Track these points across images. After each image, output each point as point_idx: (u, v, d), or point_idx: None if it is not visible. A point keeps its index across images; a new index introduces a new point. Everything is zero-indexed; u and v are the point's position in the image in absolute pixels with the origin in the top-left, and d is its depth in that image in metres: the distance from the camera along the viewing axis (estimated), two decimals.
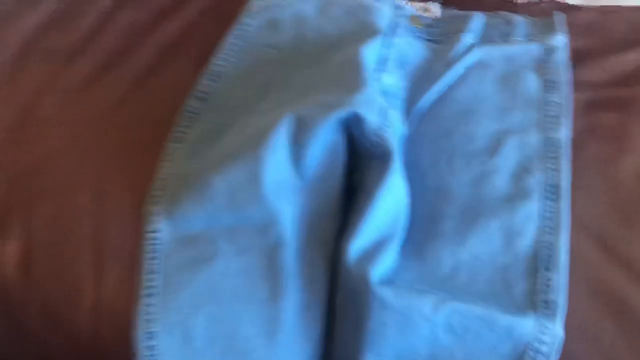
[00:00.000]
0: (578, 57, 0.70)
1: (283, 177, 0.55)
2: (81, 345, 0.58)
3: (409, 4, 0.76)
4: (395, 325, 0.51)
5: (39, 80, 0.69)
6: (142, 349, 0.54)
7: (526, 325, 0.50)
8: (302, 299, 0.55)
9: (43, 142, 0.63)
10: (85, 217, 0.59)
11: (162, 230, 0.56)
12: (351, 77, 0.59)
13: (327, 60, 0.66)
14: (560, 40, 0.70)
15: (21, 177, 0.61)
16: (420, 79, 0.68)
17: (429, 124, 0.64)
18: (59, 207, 0.59)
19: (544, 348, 0.49)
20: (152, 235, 0.56)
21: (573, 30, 0.71)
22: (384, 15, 0.71)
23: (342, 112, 0.54)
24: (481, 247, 0.55)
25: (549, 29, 0.72)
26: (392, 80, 0.65)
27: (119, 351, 0.56)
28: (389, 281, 0.52)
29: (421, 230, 0.57)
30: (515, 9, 0.78)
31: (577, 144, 0.61)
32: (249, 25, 0.70)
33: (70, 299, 0.57)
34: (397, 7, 0.74)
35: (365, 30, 0.67)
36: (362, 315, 0.51)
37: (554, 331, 0.50)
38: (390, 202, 0.54)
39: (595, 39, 0.74)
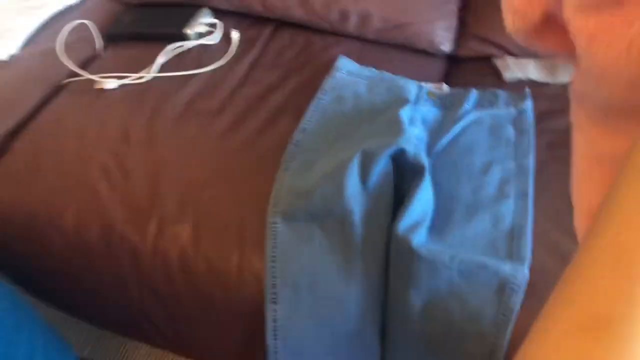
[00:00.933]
0: (546, 114, 1.06)
1: (356, 190, 0.90)
2: (232, 293, 0.92)
3: (428, 84, 1.13)
4: (427, 271, 0.84)
5: (196, 128, 1.06)
6: (268, 295, 0.88)
7: (506, 268, 0.83)
8: (366, 262, 0.88)
9: (201, 167, 1.00)
10: (232, 211, 0.94)
11: (280, 223, 0.91)
12: (395, 128, 0.95)
13: (376, 120, 1.02)
14: (528, 105, 1.05)
15: (190, 186, 0.98)
16: (436, 132, 1.04)
17: (443, 159, 0.99)
18: (215, 203, 0.95)
19: (517, 281, 0.82)
20: (273, 226, 0.91)
21: (544, 97, 1.08)
22: (411, 91, 1.08)
23: (392, 149, 0.90)
24: (479, 228, 0.88)
25: (521, 98, 1.08)
26: (418, 132, 1.01)
27: (256, 293, 0.90)
28: (422, 245, 0.86)
29: (440, 220, 0.91)
30: (505, 85, 1.15)
31: (542, 167, 0.96)
32: (323, 99, 1.08)
33: (225, 259, 0.91)
34: (420, 86, 1.11)
35: (400, 101, 1.03)
36: (406, 266, 0.85)
37: (523, 272, 0.83)
38: (423, 198, 0.89)
39: (559, 102, 1.10)
